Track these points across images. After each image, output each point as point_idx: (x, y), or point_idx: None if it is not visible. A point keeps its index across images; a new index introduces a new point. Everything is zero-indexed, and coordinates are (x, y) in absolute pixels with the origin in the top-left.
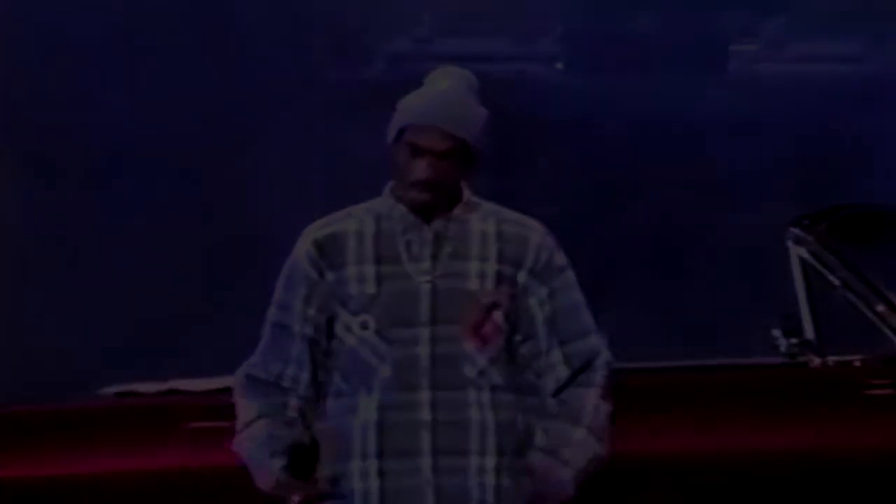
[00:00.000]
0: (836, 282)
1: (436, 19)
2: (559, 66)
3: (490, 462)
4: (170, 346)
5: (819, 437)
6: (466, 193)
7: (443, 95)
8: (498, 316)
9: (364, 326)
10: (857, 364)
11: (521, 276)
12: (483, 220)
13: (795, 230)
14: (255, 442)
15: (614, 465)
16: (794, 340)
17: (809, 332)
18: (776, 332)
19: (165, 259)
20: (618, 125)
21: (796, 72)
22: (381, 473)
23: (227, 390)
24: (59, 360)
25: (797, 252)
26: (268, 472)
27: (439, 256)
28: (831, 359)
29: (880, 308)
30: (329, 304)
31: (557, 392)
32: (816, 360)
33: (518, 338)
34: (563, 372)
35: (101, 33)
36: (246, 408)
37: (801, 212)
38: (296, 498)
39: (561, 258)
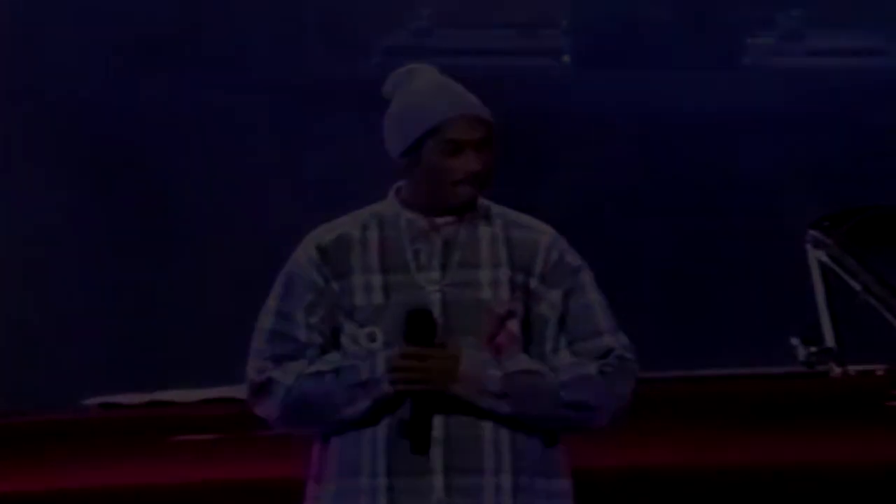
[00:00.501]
0: (858, 287)
1: (435, 10)
2: (566, 59)
3: (506, 482)
4: (157, 354)
5: (839, 450)
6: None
7: (451, 85)
8: (513, 325)
9: (371, 338)
10: (880, 373)
11: (533, 283)
12: (491, 224)
13: (815, 232)
14: (327, 366)
15: (625, 479)
16: (813, 348)
17: (829, 340)
18: (794, 340)
19: (157, 259)
20: (627, 122)
21: (814, 65)
22: (391, 492)
23: (215, 402)
24: (50, 368)
25: (816, 255)
26: (364, 369)
27: (449, 265)
28: (852, 368)
29: None
30: (334, 313)
31: None
32: (837, 370)
33: (534, 347)
34: None
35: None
36: (279, 382)
37: (820, 213)
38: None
39: (573, 259)
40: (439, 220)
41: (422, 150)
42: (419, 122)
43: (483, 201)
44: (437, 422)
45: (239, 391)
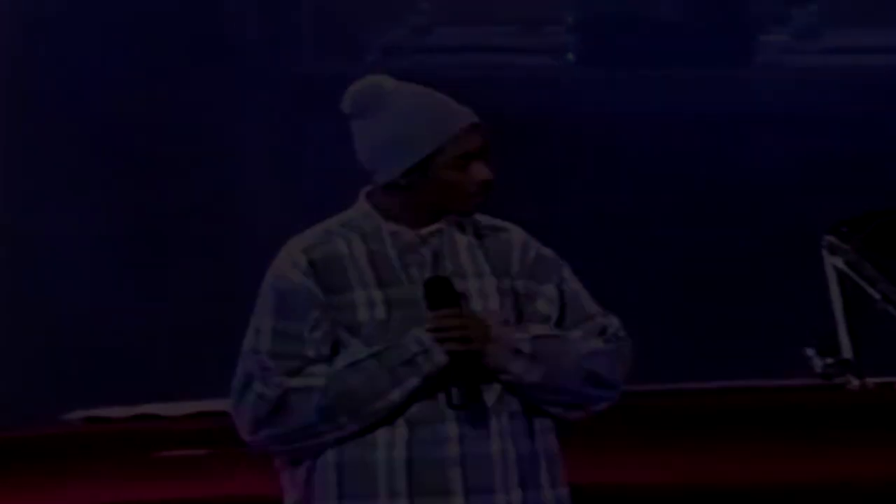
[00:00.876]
0: (876, 295)
1: (435, 6)
2: (570, 57)
3: (517, 499)
4: (156, 355)
5: (858, 466)
6: None
7: (435, 97)
8: None
9: None
10: None
11: (518, 284)
12: (462, 230)
13: (831, 238)
14: (361, 354)
15: (634, 494)
16: (829, 360)
17: (847, 351)
18: (810, 351)
19: (147, 263)
20: (633, 122)
21: (830, 64)
22: None
23: (204, 415)
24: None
25: (833, 262)
26: (411, 344)
27: None
28: (871, 380)
29: None
30: (334, 330)
31: None
32: (855, 382)
33: None
34: None
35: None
36: (306, 388)
37: (835, 217)
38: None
39: (548, 251)
40: (425, 231)
41: (427, 169)
42: (420, 144)
43: None
44: (454, 439)
45: (228, 405)
